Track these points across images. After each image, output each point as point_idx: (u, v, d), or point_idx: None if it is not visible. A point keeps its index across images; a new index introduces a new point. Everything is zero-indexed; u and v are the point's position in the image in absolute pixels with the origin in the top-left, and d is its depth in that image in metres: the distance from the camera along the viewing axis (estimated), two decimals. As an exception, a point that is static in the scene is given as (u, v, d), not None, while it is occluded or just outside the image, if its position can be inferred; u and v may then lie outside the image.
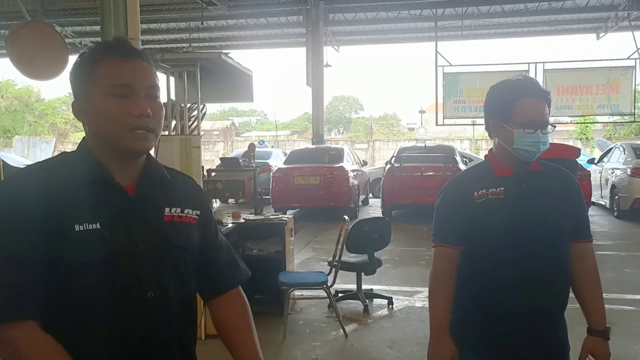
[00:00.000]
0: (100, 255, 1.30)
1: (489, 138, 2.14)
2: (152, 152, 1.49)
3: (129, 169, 1.41)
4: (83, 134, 1.46)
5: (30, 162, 22.56)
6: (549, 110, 2.02)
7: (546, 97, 2.00)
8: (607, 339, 2.07)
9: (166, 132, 6.67)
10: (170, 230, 1.43)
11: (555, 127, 2.14)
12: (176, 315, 1.43)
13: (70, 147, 32.28)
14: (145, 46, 14.76)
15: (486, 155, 2.15)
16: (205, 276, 1.54)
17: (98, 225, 1.31)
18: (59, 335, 1.27)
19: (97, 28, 16.15)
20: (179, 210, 1.46)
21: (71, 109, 1.42)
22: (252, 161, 14.51)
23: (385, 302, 5.85)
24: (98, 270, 1.30)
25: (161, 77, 6.86)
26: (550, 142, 2.02)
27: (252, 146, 16.71)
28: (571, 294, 2.08)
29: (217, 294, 1.58)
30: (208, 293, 1.58)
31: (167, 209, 1.44)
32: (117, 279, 1.32)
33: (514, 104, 1.96)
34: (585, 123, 27.50)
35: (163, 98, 7.15)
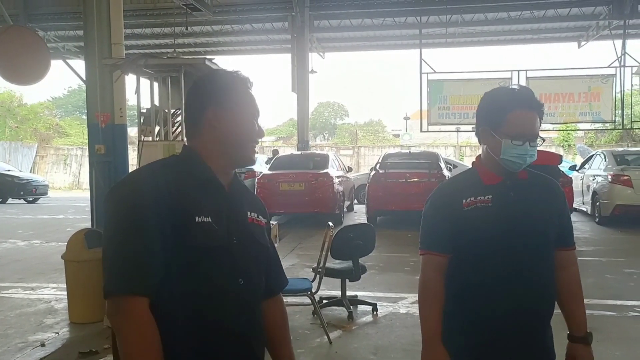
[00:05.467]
0: (213, 244, 1.54)
1: (472, 145, 2.15)
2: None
3: (228, 174, 1.67)
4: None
5: (11, 168, 22.09)
6: (541, 122, 2.02)
7: (539, 110, 2.00)
8: (588, 344, 2.08)
9: (149, 138, 6.62)
10: (254, 230, 1.69)
11: (544, 140, 2.14)
12: (257, 302, 1.70)
13: (52, 153, 31.98)
14: (129, 51, 14.66)
15: (473, 162, 2.15)
16: (266, 277, 1.77)
17: (210, 219, 1.55)
18: (166, 310, 1.48)
19: (80, 32, 16.00)
20: (255, 214, 1.72)
21: (213, 117, 1.63)
22: None
23: (369, 308, 5.84)
24: (210, 258, 1.54)
25: (145, 83, 6.80)
26: None
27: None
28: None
29: (270, 295, 1.82)
30: (264, 293, 1.78)
31: (249, 212, 1.70)
32: (219, 266, 1.56)
33: (506, 114, 1.96)
34: (567, 130, 27.82)
35: (147, 104, 7.09)
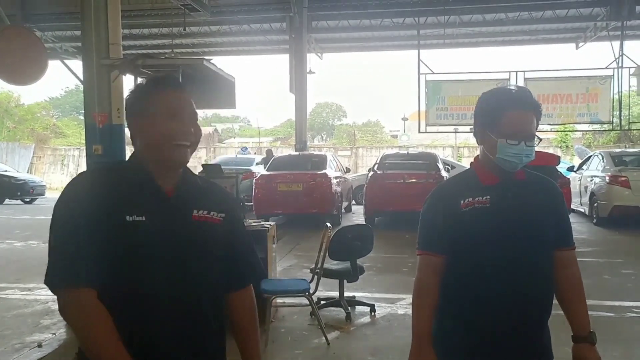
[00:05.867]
0: (145, 242, 1.59)
1: (470, 145, 2.15)
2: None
3: (170, 176, 1.72)
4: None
5: (9, 168, 22.06)
6: (538, 122, 2.02)
7: (536, 110, 2.00)
8: (593, 343, 2.07)
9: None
10: (198, 227, 1.72)
11: (541, 139, 2.15)
12: (201, 298, 1.70)
13: (49, 153, 31.90)
14: (127, 52, 14.64)
15: (472, 162, 2.15)
16: (227, 270, 1.80)
17: (144, 218, 1.61)
18: (112, 309, 1.55)
19: (77, 33, 15.95)
20: (205, 212, 1.75)
21: (128, 126, 1.75)
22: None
23: (367, 309, 5.84)
24: (144, 254, 1.59)
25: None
26: None
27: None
28: (554, 301, 2.08)
29: (234, 289, 1.85)
30: (226, 286, 1.82)
31: (195, 211, 1.73)
32: (157, 263, 1.61)
33: (501, 113, 1.97)
34: (565, 131, 27.85)
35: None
